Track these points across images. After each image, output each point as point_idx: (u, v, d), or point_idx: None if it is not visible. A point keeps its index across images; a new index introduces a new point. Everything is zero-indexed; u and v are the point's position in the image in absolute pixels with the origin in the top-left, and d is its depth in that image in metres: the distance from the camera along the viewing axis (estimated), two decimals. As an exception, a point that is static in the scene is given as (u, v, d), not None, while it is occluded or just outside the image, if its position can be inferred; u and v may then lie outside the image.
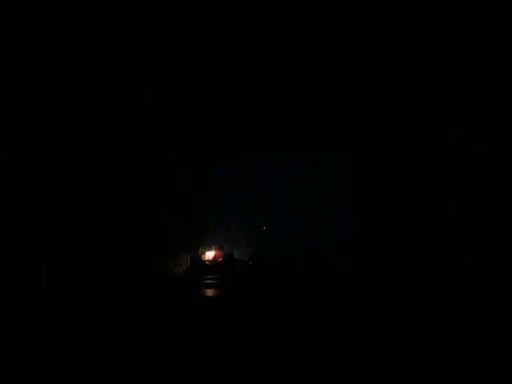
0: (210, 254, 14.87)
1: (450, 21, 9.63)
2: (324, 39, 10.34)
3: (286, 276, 13.70)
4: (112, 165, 14.15)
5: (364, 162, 13.22)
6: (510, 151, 9.97)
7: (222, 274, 14.36)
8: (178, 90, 12.27)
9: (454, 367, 4.65)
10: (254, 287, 11.76)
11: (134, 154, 14.82)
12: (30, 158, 12.33)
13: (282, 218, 15.12)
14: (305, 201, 15.21)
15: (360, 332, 6.70)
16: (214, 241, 15.31)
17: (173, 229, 15.78)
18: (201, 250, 15.06)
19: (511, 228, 9.80)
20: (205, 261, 14.84)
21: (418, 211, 12.08)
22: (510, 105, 10.09)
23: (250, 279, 13.58)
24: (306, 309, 8.07)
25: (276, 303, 9.35)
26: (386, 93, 11.78)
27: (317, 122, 12.67)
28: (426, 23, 9.76)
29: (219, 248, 14.98)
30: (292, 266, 14.25)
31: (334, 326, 7.10)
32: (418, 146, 12.07)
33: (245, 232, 15.25)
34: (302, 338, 6.30)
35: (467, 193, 10.75)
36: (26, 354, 5.69)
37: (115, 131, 13.73)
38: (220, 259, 14.76)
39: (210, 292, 12.04)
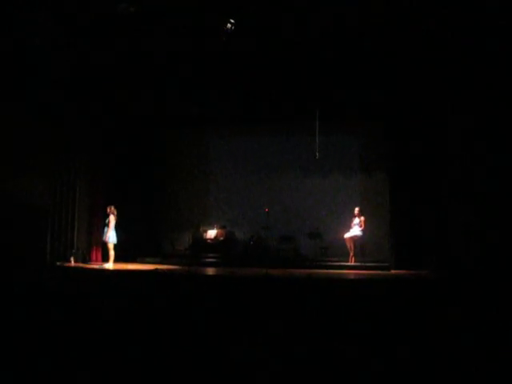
0: (211, 233, 14.80)
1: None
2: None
3: (290, 261, 13.63)
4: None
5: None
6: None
7: (223, 253, 14.37)
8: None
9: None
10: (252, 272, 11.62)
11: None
12: None
13: (286, 199, 15.02)
14: (312, 182, 15.13)
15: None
16: (216, 219, 15.24)
17: (174, 205, 15.79)
18: (202, 229, 14.99)
19: None
20: (206, 239, 14.78)
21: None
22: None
23: (250, 259, 13.47)
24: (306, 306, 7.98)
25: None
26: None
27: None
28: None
29: (221, 227, 14.90)
30: (298, 251, 14.20)
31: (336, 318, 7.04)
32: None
33: (247, 212, 15.14)
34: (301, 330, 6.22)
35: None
36: None
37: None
38: (221, 238, 14.67)
39: (210, 271, 11.97)
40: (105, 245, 12.42)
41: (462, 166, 11.04)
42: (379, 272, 11.86)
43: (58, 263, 12.35)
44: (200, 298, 8.20)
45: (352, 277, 11.03)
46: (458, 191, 11.16)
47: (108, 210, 12.20)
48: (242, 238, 15.01)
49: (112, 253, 12.11)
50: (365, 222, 12.82)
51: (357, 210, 12.99)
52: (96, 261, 13.44)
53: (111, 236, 12.06)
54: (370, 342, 5.45)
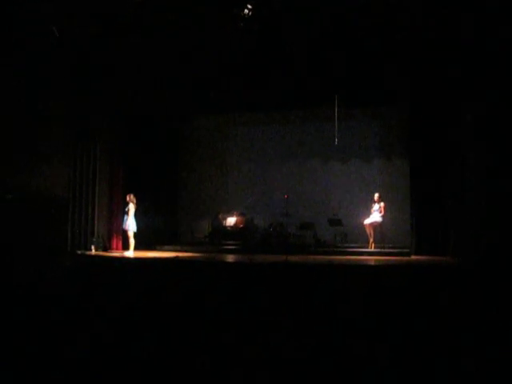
0: (230, 220, 14.79)
1: None
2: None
3: (309, 247, 13.60)
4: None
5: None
6: None
7: (243, 240, 14.39)
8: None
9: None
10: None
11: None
12: None
13: (305, 186, 14.98)
14: (332, 168, 15.08)
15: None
16: (235, 207, 15.25)
17: (193, 193, 15.84)
18: (221, 216, 15.00)
19: None
20: (225, 226, 14.79)
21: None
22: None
23: (270, 246, 13.48)
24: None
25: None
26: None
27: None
28: None
29: (240, 214, 14.89)
30: (317, 237, 14.16)
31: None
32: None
33: (266, 199, 15.13)
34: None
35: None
36: None
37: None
38: (241, 225, 14.67)
39: (230, 258, 12.01)
40: (125, 233, 12.51)
41: (487, 151, 10.87)
42: (400, 258, 11.79)
43: (78, 252, 12.50)
44: (220, 285, 8.23)
45: (372, 263, 10.99)
46: (480, 177, 11.00)
47: (127, 199, 12.26)
48: (261, 225, 14.99)
49: (132, 241, 12.19)
50: (385, 207, 12.72)
51: (376, 195, 12.89)
52: (116, 249, 13.53)
53: (131, 224, 12.12)
54: (391, 328, 5.43)
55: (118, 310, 6.30)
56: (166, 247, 13.70)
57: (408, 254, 12.21)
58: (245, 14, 10.78)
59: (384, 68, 11.79)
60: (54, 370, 4.17)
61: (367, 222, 12.88)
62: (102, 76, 12.76)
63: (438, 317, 5.85)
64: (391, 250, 12.53)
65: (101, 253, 12.79)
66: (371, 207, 12.94)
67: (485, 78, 10.71)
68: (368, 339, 4.98)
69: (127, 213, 12.18)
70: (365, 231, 13.02)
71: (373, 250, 12.67)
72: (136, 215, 12.26)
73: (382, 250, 12.50)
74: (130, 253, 12.12)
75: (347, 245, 13.56)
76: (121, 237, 13.61)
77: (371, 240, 12.80)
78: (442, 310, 6.23)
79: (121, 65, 12.47)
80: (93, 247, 12.93)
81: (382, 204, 12.74)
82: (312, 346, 4.76)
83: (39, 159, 11.82)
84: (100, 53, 11.90)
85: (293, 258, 10.82)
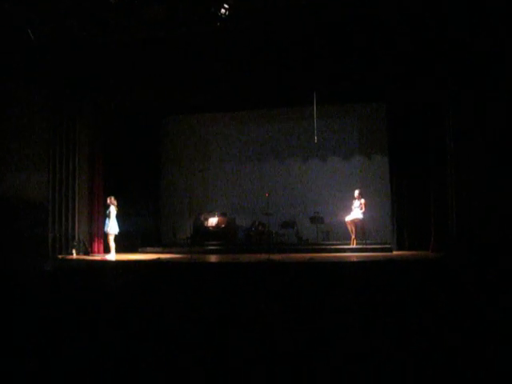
0: (212, 220, 14.75)
1: None
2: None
3: (292, 246, 13.62)
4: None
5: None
6: None
7: (225, 240, 14.36)
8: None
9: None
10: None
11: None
12: None
13: (286, 184, 15.00)
14: (312, 166, 15.10)
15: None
16: (216, 207, 15.20)
17: (174, 193, 15.77)
18: (203, 216, 14.94)
19: None
20: (207, 227, 14.74)
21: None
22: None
23: (252, 245, 13.48)
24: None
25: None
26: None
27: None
28: None
29: (222, 214, 14.86)
30: (299, 235, 14.19)
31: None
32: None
33: (247, 198, 15.12)
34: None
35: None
36: None
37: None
38: (223, 225, 14.64)
39: (213, 258, 11.96)
40: (106, 236, 12.39)
41: (464, 148, 10.97)
42: (381, 254, 11.82)
43: (59, 256, 12.35)
44: (204, 285, 8.18)
45: (354, 259, 11.00)
46: (458, 173, 11.10)
47: (108, 201, 12.14)
48: (243, 224, 15.01)
49: (113, 244, 12.07)
50: (365, 204, 12.75)
51: (357, 192, 12.94)
52: (98, 252, 13.40)
53: (112, 227, 12.00)
54: (375, 324, 5.44)
55: (99, 313, 6.23)
56: (148, 249, 13.61)
57: (390, 250, 12.30)
58: (222, 14, 10.73)
59: (361, 64, 11.82)
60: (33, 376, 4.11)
61: (348, 218, 12.91)
62: (80, 73, 12.66)
63: (422, 311, 5.88)
64: (373, 246, 12.54)
65: (82, 256, 12.62)
66: (352, 204, 12.96)
67: (465, 76, 10.80)
68: (354, 335, 4.99)
69: (108, 215, 12.03)
70: (346, 228, 13.04)
71: (355, 246, 12.68)
72: (117, 217, 12.15)
73: (364, 246, 12.52)
74: (112, 256, 12.00)
75: (329, 242, 13.63)
76: (102, 240, 13.49)
77: (353, 236, 12.82)
78: (426, 304, 6.27)
79: (101, 63, 12.38)
80: (74, 251, 12.76)
81: (363, 201, 12.77)
82: (300, 342, 4.76)
83: (15, 162, 11.68)
84: (80, 50, 11.79)
85: (276, 257, 10.82)
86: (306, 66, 12.06)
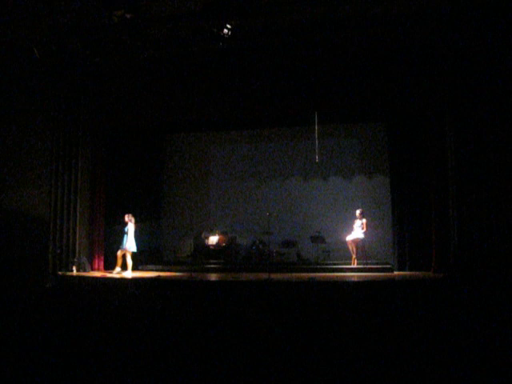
0: (213, 239, 14.69)
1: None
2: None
3: (292, 265, 13.56)
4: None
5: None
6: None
7: (226, 259, 14.32)
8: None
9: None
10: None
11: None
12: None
13: (287, 203, 14.97)
14: (313, 185, 15.09)
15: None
16: (217, 225, 15.16)
17: (175, 212, 15.74)
18: (204, 235, 14.91)
19: None
20: (208, 245, 14.69)
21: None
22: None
23: (253, 265, 13.42)
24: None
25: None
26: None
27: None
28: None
29: (222, 232, 14.82)
30: (300, 255, 14.14)
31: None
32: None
33: (248, 217, 15.07)
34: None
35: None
36: None
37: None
38: (223, 244, 14.59)
39: (213, 277, 11.92)
40: (124, 253, 12.35)
41: (465, 167, 10.97)
42: (382, 274, 11.81)
43: (59, 272, 12.31)
44: (203, 304, 8.15)
45: (355, 279, 10.99)
46: (460, 192, 11.08)
47: (126, 219, 12.32)
48: (243, 243, 14.91)
49: (130, 261, 12.22)
50: (366, 224, 12.74)
51: (358, 212, 12.92)
52: (98, 269, 13.35)
53: (131, 244, 12.15)
54: (375, 345, 5.38)
55: (98, 330, 6.19)
56: (149, 267, 13.56)
57: (391, 270, 12.26)
58: (224, 34, 10.82)
59: (361, 84, 11.90)
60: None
61: (349, 238, 12.88)
62: (84, 90, 12.74)
63: (424, 333, 5.82)
64: (374, 266, 12.51)
65: (82, 273, 12.55)
66: (353, 224, 12.94)
67: (466, 91, 10.85)
68: (353, 356, 4.94)
69: (127, 233, 12.16)
70: (347, 248, 13.00)
71: (355, 266, 12.63)
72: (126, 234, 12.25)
73: (365, 266, 12.48)
74: (129, 273, 12.07)
75: (330, 262, 13.49)
76: (103, 257, 13.48)
77: (354, 256, 12.78)
78: (428, 325, 6.21)
79: (104, 81, 12.47)
80: (74, 268, 12.71)
81: (364, 220, 12.76)
82: (299, 362, 4.71)
83: (16, 177, 11.70)
84: (82, 66, 11.89)
85: (276, 276, 10.78)
86: (308, 86, 12.15)
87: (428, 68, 11.28)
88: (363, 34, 10.49)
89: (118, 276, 11.89)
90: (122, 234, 12.45)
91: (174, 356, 5.13)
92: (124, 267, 12.37)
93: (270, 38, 11.10)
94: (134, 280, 11.37)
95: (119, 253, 12.28)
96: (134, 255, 12.40)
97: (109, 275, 11.94)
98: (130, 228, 12.20)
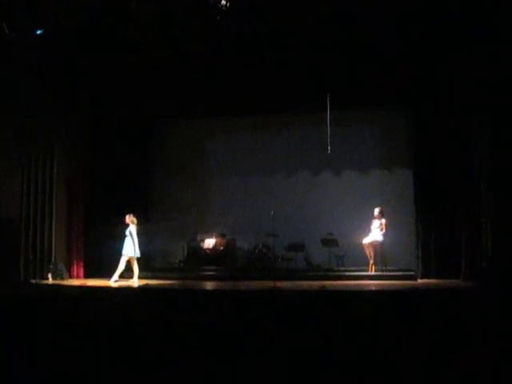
0: (209, 242, 14.63)
1: None
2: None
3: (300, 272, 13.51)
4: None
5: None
6: None
7: (224, 265, 14.24)
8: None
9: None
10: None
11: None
12: None
13: (295, 201, 14.84)
14: (324, 180, 14.99)
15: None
16: (214, 227, 15.03)
17: (166, 211, 15.63)
18: (199, 237, 14.80)
19: None
20: (203, 249, 14.61)
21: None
22: None
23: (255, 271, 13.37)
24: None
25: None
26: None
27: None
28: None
29: (220, 235, 14.72)
30: (309, 260, 14.06)
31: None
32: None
33: (250, 217, 14.95)
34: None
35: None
36: None
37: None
38: (221, 247, 14.50)
39: (208, 285, 11.87)
40: (129, 259, 12.28)
41: (501, 161, 10.85)
42: (404, 282, 11.70)
43: (33, 281, 12.26)
44: (197, 316, 8.05)
45: (373, 288, 10.92)
46: (495, 190, 10.96)
47: (127, 219, 12.29)
48: (244, 247, 14.85)
49: (136, 267, 12.22)
50: (386, 224, 12.66)
51: (377, 211, 12.81)
52: (77, 277, 13.30)
53: (135, 249, 12.15)
54: (397, 363, 5.26)
55: (76, 347, 6.09)
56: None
57: (414, 278, 12.18)
58: (222, 6, 10.74)
59: (383, 63, 11.75)
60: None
61: (366, 241, 12.79)
62: (62, 71, 12.70)
63: (454, 350, 5.69)
64: (394, 273, 12.42)
65: (59, 281, 12.49)
66: (371, 224, 12.86)
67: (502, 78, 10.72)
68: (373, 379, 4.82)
69: (131, 235, 12.15)
70: (364, 252, 12.91)
71: (373, 273, 12.56)
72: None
73: (384, 273, 12.41)
74: (135, 280, 12.10)
75: (344, 268, 13.45)
76: (82, 263, 13.42)
77: (371, 262, 12.69)
78: (458, 342, 6.07)
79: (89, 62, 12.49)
80: (50, 275, 12.63)
81: (383, 220, 12.67)
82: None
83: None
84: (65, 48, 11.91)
85: (281, 285, 10.68)
86: (318, 64, 12.00)
87: (466, 42, 11.11)
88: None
89: (126, 284, 11.80)
90: (122, 237, 12.32)
91: (162, 377, 5.07)
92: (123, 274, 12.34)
93: (275, 12, 11.00)
94: (119, 289, 11.24)
95: (124, 259, 12.09)
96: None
97: (131, 283, 11.93)
98: (132, 230, 12.18)
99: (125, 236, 12.20)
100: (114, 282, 11.88)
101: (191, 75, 12.92)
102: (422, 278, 12.45)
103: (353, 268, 13.31)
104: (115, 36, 11.53)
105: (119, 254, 13.52)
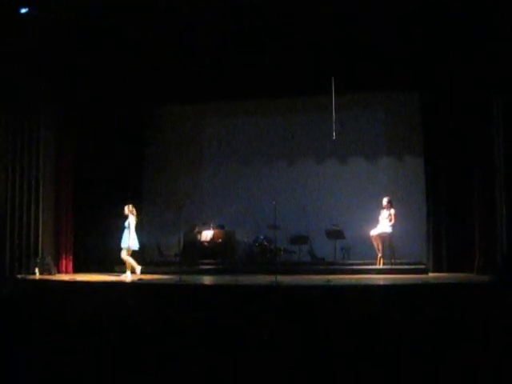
0: (207, 234, 14.60)
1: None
2: None
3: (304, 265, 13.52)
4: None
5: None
6: None
7: (222, 258, 14.24)
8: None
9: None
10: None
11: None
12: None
13: (298, 191, 14.81)
14: (329, 168, 14.96)
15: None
16: (212, 218, 15.01)
17: (161, 201, 15.62)
18: (196, 229, 14.78)
19: None
20: (201, 242, 14.60)
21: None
22: None
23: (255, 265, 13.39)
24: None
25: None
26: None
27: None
28: None
29: (218, 226, 14.72)
30: (313, 253, 14.06)
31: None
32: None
33: (250, 207, 14.93)
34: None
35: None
36: None
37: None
38: (219, 240, 14.49)
39: (206, 280, 11.88)
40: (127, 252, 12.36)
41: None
42: (414, 276, 11.69)
43: (19, 276, 12.24)
44: (194, 313, 8.04)
45: (381, 282, 10.93)
46: (509, 178, 10.94)
47: (126, 210, 12.36)
48: (244, 239, 14.87)
49: (133, 260, 12.29)
50: (395, 215, 12.66)
51: (386, 200, 12.82)
52: (66, 271, 13.31)
53: (133, 241, 12.26)
54: (407, 364, 5.24)
55: (64, 346, 6.08)
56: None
57: (425, 271, 12.20)
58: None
59: (391, 43, 11.70)
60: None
61: (374, 232, 12.81)
62: (52, 52, 12.70)
63: (467, 349, 5.66)
64: (404, 267, 12.46)
65: (46, 276, 12.46)
66: (379, 215, 12.88)
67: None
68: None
69: (129, 227, 12.22)
70: (371, 244, 12.94)
71: (381, 266, 12.59)
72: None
73: (393, 266, 12.43)
74: (138, 271, 12.21)
75: (350, 261, 13.48)
76: (71, 257, 13.42)
77: (379, 255, 12.71)
78: (472, 340, 6.05)
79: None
80: (37, 270, 12.61)
81: (392, 211, 12.67)
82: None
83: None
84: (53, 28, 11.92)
85: (284, 279, 10.64)
86: (322, 43, 11.95)
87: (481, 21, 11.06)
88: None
89: (129, 280, 11.87)
90: (121, 229, 12.41)
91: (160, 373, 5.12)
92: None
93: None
94: (110, 284, 11.26)
95: (124, 253, 12.21)
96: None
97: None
98: (132, 222, 12.25)
99: (124, 228, 12.27)
100: (139, 273, 12.14)
101: (189, 58, 12.91)
102: (433, 271, 12.47)
103: (359, 261, 13.33)
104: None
105: (110, 248, 13.61)
